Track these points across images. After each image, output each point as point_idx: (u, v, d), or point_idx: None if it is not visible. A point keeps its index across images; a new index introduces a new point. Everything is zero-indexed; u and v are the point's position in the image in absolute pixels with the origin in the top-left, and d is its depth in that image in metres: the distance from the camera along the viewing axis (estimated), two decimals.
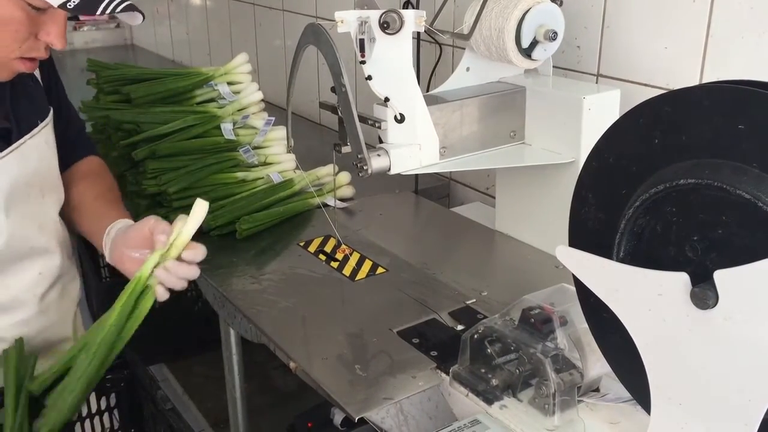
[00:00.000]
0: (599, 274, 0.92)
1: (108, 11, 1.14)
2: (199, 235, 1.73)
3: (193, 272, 1.24)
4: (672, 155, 0.85)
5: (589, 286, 0.93)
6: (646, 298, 0.86)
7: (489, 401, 1.11)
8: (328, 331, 1.38)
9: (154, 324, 2.69)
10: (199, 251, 1.25)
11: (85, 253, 2.52)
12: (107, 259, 1.37)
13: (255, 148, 2.01)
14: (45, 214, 1.40)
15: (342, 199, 1.97)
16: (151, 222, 1.28)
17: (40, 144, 1.36)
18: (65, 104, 1.52)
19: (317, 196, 1.88)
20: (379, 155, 1.39)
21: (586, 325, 1.02)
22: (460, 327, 1.35)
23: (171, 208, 1.80)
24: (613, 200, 0.92)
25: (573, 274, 0.96)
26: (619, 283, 0.89)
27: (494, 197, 1.79)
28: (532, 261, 1.63)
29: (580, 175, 0.98)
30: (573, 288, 1.01)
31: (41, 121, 1.37)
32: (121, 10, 1.16)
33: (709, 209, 0.82)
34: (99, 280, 2.76)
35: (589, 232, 0.97)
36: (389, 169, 1.41)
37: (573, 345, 1.09)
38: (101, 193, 1.49)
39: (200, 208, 1.24)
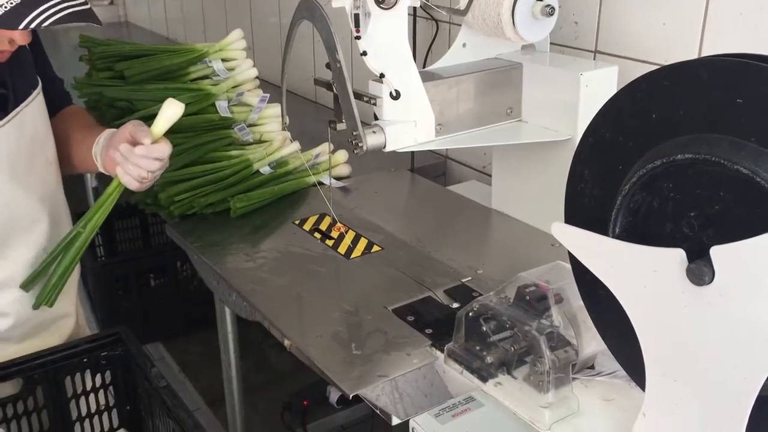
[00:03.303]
0: (595, 250, 0.91)
1: (33, 26, 1.13)
2: (193, 214, 1.74)
3: (151, 165, 1.31)
4: (669, 130, 0.84)
5: (584, 263, 0.93)
6: (641, 274, 0.85)
7: (484, 378, 1.11)
8: (323, 308, 1.37)
9: (151, 303, 2.70)
10: (164, 147, 1.32)
11: None
12: (100, 167, 1.42)
13: (250, 125, 1.99)
14: (49, 183, 1.42)
15: (338, 178, 1.95)
16: (130, 127, 1.33)
17: (34, 113, 1.37)
18: (48, 64, 1.53)
19: (313, 175, 1.87)
20: (374, 132, 1.38)
21: (582, 303, 1.02)
22: (455, 305, 1.34)
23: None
24: (609, 176, 0.92)
25: (568, 251, 0.96)
26: (614, 260, 0.89)
27: (491, 175, 1.79)
28: (528, 239, 1.63)
29: (576, 151, 0.97)
30: (569, 265, 1.01)
31: (34, 90, 1.38)
32: (53, 23, 1.14)
33: (707, 185, 0.81)
34: (94, 259, 2.75)
35: (585, 208, 0.96)
36: (384, 146, 1.40)
37: (568, 322, 1.09)
38: (88, 123, 1.54)
39: (170, 108, 1.31)
